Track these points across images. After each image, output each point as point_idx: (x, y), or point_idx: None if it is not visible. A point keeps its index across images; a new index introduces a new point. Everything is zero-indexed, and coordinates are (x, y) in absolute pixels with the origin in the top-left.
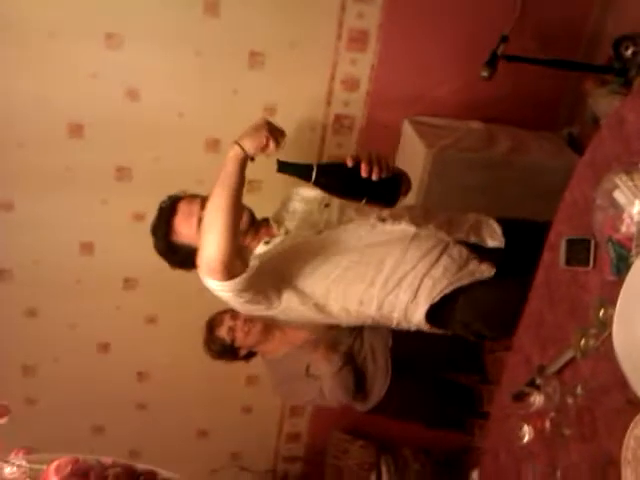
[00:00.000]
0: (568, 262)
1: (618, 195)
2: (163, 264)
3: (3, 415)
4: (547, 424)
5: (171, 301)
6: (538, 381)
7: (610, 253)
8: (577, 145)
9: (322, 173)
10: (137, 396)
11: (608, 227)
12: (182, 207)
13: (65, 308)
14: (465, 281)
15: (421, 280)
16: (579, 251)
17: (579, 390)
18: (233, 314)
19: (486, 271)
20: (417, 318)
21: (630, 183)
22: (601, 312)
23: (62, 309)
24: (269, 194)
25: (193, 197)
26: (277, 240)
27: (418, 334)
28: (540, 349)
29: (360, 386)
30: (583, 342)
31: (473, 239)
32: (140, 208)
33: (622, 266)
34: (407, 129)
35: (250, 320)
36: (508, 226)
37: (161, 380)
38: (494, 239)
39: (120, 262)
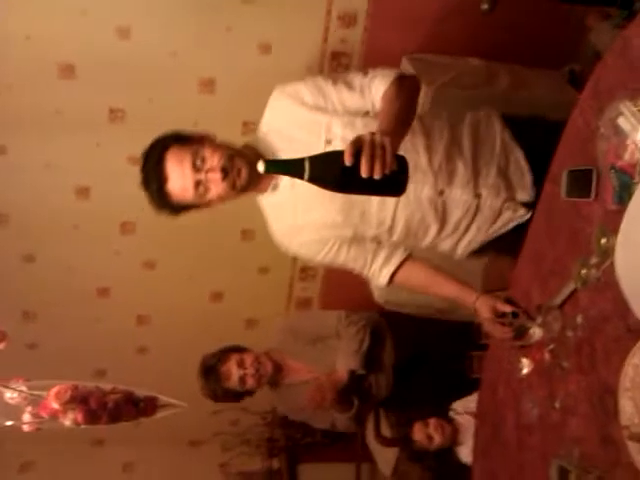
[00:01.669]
0: (569, 194)
1: (622, 122)
2: None
3: (1, 340)
4: (546, 356)
5: (170, 245)
6: (538, 318)
7: (613, 181)
8: (578, 82)
9: (316, 168)
10: (137, 340)
11: (611, 155)
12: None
13: (63, 253)
14: (502, 230)
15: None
16: (581, 182)
17: (579, 320)
18: (239, 360)
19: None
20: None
21: (634, 109)
22: (602, 241)
23: (60, 254)
24: None
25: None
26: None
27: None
28: (540, 283)
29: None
30: (584, 272)
31: (503, 194)
32: (135, 151)
33: (625, 194)
34: (406, 66)
35: (260, 362)
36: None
37: (161, 324)
38: (524, 190)
39: (117, 206)
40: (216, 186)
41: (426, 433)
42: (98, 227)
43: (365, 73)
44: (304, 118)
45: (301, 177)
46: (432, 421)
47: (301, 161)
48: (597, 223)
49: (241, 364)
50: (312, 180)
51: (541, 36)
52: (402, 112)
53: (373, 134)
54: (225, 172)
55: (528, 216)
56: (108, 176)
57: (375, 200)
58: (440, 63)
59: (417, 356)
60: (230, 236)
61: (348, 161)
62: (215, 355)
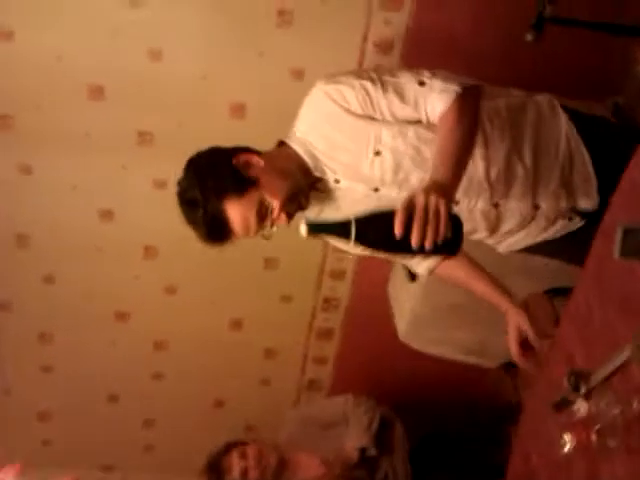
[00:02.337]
0: (624, 253)
1: None
2: (184, 233)
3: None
4: (592, 436)
5: (192, 271)
6: (583, 389)
7: None
8: (622, 116)
9: (364, 230)
10: (153, 366)
11: None
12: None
13: (83, 275)
14: (550, 237)
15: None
16: (637, 242)
17: (631, 396)
18: (241, 453)
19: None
20: None
21: None
22: None
23: (80, 276)
24: None
25: None
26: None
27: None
28: (585, 349)
29: None
30: None
31: (563, 204)
32: (162, 175)
33: None
34: None
35: (262, 454)
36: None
37: (178, 351)
38: (588, 198)
39: (140, 230)
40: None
41: None
42: (120, 250)
43: (420, 80)
44: (350, 126)
45: (347, 239)
46: None
47: (347, 224)
48: None
49: (243, 456)
50: (359, 241)
51: (585, 67)
52: (462, 145)
53: (427, 194)
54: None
55: (582, 224)
56: (133, 199)
57: None
58: None
59: (433, 440)
60: (253, 263)
61: (399, 232)
62: (218, 450)
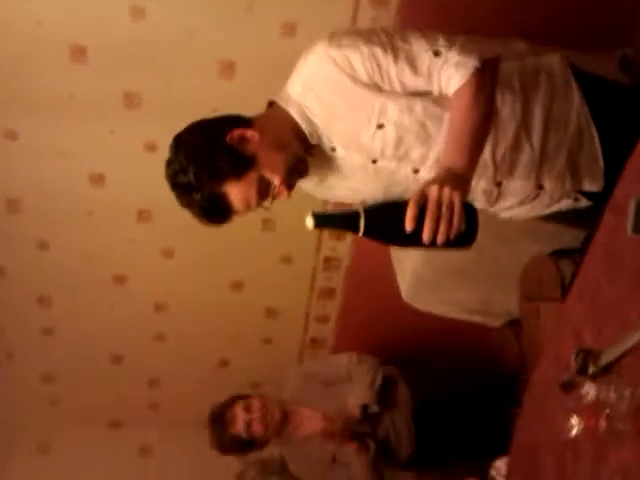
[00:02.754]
0: (636, 229)
1: None
2: None
3: None
4: (602, 422)
5: (188, 234)
6: (591, 369)
7: None
8: (630, 69)
9: (373, 222)
10: (155, 327)
11: None
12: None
13: (78, 240)
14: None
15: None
16: None
17: None
18: (245, 405)
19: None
20: None
21: None
22: None
23: (75, 241)
24: None
25: None
26: None
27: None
28: (593, 326)
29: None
30: None
31: (568, 185)
32: (151, 137)
33: None
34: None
35: (267, 408)
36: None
37: (179, 312)
38: (594, 180)
39: (133, 194)
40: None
41: None
42: (114, 215)
43: (435, 50)
44: (353, 94)
45: (356, 231)
46: None
47: (355, 216)
48: None
49: (248, 409)
50: (368, 234)
51: (593, 19)
52: (479, 129)
53: (442, 186)
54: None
55: (589, 204)
56: (123, 163)
57: None
58: (480, 42)
59: (438, 405)
60: (251, 225)
61: (410, 226)
62: (222, 402)
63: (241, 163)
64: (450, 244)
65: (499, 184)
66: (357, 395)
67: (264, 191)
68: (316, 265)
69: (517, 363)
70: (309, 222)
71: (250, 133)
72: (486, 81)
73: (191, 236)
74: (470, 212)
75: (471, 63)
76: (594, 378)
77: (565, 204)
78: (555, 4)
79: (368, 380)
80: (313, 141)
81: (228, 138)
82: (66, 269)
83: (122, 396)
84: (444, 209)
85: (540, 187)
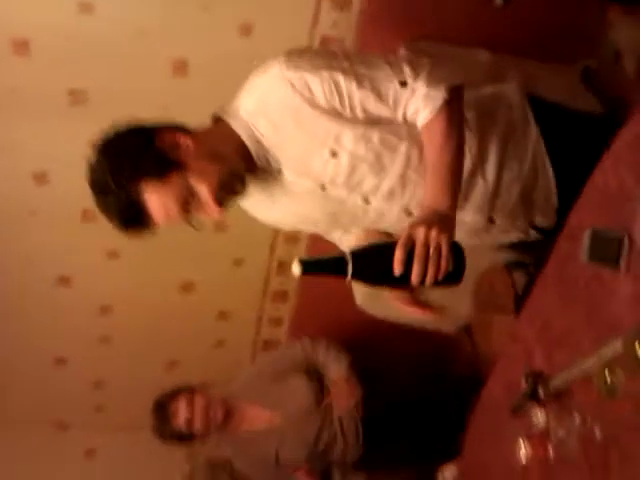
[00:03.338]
0: (592, 258)
1: None
2: None
3: None
4: (550, 450)
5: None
6: (541, 394)
7: None
8: (592, 82)
9: (361, 266)
10: (101, 329)
11: None
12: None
13: (19, 240)
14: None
15: None
16: (607, 248)
17: (592, 420)
18: (188, 400)
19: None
20: None
21: None
22: (637, 348)
23: (16, 241)
24: None
25: None
26: None
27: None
28: (544, 350)
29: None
30: (610, 380)
31: (520, 220)
32: (98, 135)
33: None
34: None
35: (210, 406)
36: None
37: (126, 314)
38: (546, 215)
39: (77, 193)
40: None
41: None
42: (57, 214)
43: (400, 80)
44: (308, 119)
45: (343, 275)
46: None
47: (343, 260)
48: (624, 303)
49: (191, 405)
50: (356, 277)
51: (556, 29)
52: (457, 164)
53: (428, 228)
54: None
55: (538, 237)
56: (68, 161)
57: (374, 225)
58: (444, 54)
59: (390, 407)
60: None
61: (398, 269)
62: (167, 393)
63: (165, 164)
64: (438, 283)
65: None
66: (334, 372)
67: (188, 202)
68: (270, 268)
69: (470, 367)
70: (296, 269)
71: (184, 140)
72: (455, 112)
73: (138, 238)
74: (457, 251)
75: (439, 96)
76: (544, 404)
77: (515, 237)
78: (519, 14)
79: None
80: (259, 162)
81: (158, 141)
82: (7, 271)
83: (67, 398)
84: (432, 251)
85: (491, 221)
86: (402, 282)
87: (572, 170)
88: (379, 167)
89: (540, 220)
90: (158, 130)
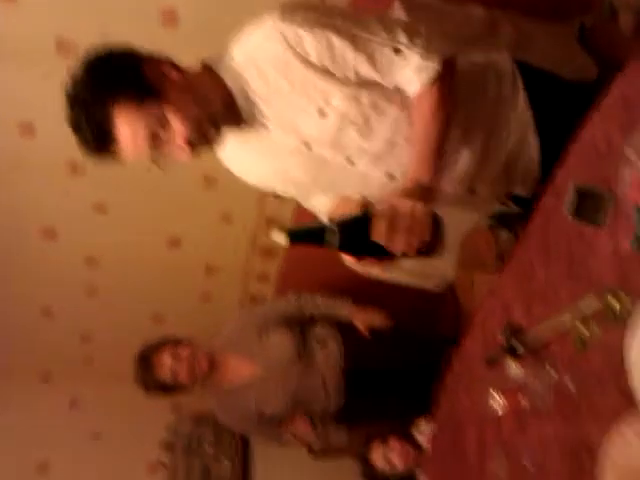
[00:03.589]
0: (575, 214)
1: None
2: None
3: None
4: (522, 402)
5: (123, 189)
6: (517, 348)
7: (634, 222)
8: (587, 41)
9: (348, 236)
10: (86, 282)
11: (636, 190)
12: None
13: (4, 192)
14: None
15: None
16: (591, 205)
17: (566, 373)
18: (173, 352)
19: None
20: None
21: None
22: (613, 303)
23: (1, 192)
24: None
25: None
26: None
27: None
28: (523, 304)
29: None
30: (585, 333)
31: (500, 189)
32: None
33: None
34: (399, 12)
35: (195, 358)
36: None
37: (112, 266)
38: (526, 185)
39: (65, 145)
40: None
41: (387, 457)
42: (43, 166)
43: (395, 47)
44: (299, 75)
45: (333, 246)
46: (394, 444)
47: (329, 229)
48: (605, 261)
49: (175, 357)
50: (344, 248)
51: None
52: (442, 136)
53: (411, 200)
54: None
55: (517, 210)
56: (55, 112)
57: (355, 187)
58: (438, 9)
59: (372, 370)
60: (191, 181)
61: (381, 240)
62: (152, 344)
63: (145, 89)
64: (421, 253)
65: None
66: (346, 308)
67: (158, 136)
68: (258, 224)
69: (452, 327)
70: (279, 237)
71: (172, 73)
72: (446, 85)
73: (126, 191)
74: (436, 223)
75: (433, 67)
76: (519, 356)
77: (496, 207)
78: None
79: (335, 299)
80: (245, 115)
81: (146, 67)
82: None
83: (53, 349)
84: (414, 224)
85: (472, 191)
86: (384, 253)
87: (558, 141)
88: (367, 130)
89: (519, 189)
90: (149, 57)
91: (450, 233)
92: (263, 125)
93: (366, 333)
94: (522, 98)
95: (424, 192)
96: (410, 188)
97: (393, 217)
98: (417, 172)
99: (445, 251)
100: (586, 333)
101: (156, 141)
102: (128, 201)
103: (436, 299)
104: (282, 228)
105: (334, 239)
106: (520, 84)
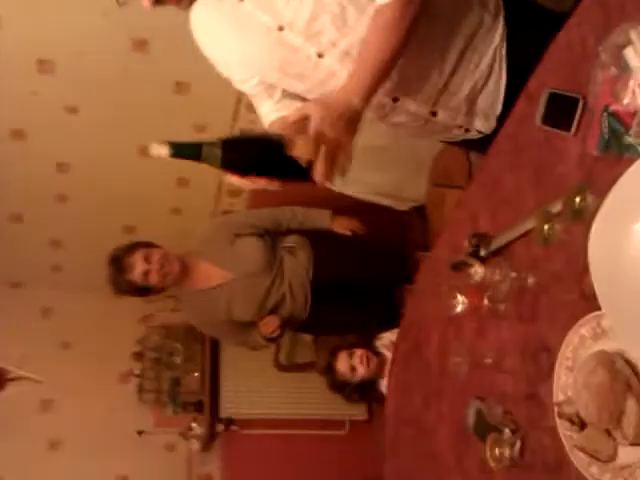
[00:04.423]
0: (545, 120)
1: (629, 54)
2: (83, 46)
3: None
4: (484, 301)
5: (93, 90)
6: (482, 252)
7: (602, 124)
8: None
9: (231, 153)
10: (57, 188)
11: (607, 92)
12: None
13: None
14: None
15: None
16: (562, 110)
17: (527, 268)
18: (146, 254)
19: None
20: None
21: None
22: (577, 199)
23: None
24: None
25: None
26: None
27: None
28: (490, 211)
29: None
30: (547, 229)
31: (460, 119)
32: None
33: (613, 143)
34: None
35: (166, 260)
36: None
37: (83, 174)
38: (487, 120)
39: (33, 41)
40: None
41: (350, 364)
42: (11, 63)
43: None
44: None
45: (215, 162)
46: (358, 352)
47: (214, 143)
48: (572, 165)
49: (147, 259)
50: (226, 165)
51: None
52: (391, 58)
53: (334, 123)
54: None
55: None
56: (23, 5)
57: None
58: None
59: (340, 281)
60: (162, 85)
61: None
62: (124, 247)
63: None
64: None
65: (395, 99)
66: (325, 214)
67: None
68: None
69: (420, 243)
70: (159, 149)
71: None
72: (412, 10)
73: (98, 93)
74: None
75: None
76: (483, 260)
77: (457, 133)
78: None
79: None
80: None
81: None
82: None
83: (23, 257)
84: (327, 150)
85: (433, 114)
86: (272, 171)
87: (525, 79)
88: (341, 22)
89: (480, 124)
90: None
91: (426, 155)
92: None
93: (348, 233)
94: (500, 30)
95: (350, 116)
96: (339, 108)
97: (317, 140)
98: (353, 89)
99: (413, 172)
100: (548, 230)
101: None
102: (100, 104)
103: (405, 217)
104: (163, 141)
105: (215, 155)
106: (502, 15)
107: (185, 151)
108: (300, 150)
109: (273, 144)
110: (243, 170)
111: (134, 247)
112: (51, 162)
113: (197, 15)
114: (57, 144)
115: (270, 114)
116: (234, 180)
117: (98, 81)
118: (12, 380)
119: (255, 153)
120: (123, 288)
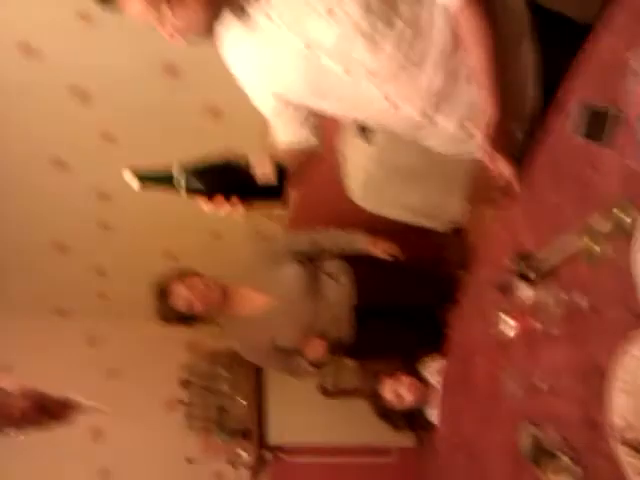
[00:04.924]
0: (580, 132)
1: None
2: (119, 72)
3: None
4: (534, 323)
5: (131, 117)
6: (530, 273)
7: (637, 133)
8: None
9: (195, 180)
10: (99, 215)
11: None
12: None
13: (10, 118)
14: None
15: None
16: (594, 122)
17: (577, 288)
18: (188, 283)
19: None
20: None
21: None
22: (622, 216)
23: (6, 119)
24: None
25: None
26: None
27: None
28: (532, 229)
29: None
30: (593, 245)
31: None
32: (87, 5)
33: None
34: None
35: (209, 288)
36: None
37: (124, 201)
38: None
39: (68, 67)
40: None
41: (396, 391)
42: (47, 91)
43: None
44: None
45: (179, 189)
46: (405, 379)
47: (175, 176)
48: (612, 178)
49: (190, 287)
50: (190, 192)
51: None
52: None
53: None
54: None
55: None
56: (57, 31)
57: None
58: None
59: (381, 304)
60: (197, 112)
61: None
62: (168, 276)
63: None
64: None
65: (430, 117)
66: (361, 238)
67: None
68: None
69: (460, 263)
70: (131, 180)
71: None
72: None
73: (135, 121)
74: (281, 171)
75: None
76: (529, 279)
77: None
78: None
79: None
80: (249, 7)
81: None
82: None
83: (68, 285)
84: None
85: (466, 131)
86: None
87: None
88: (370, 40)
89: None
90: None
91: (454, 173)
92: (267, 15)
93: (388, 258)
94: (527, 39)
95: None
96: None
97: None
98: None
99: (450, 192)
100: (595, 249)
101: (157, 4)
102: (135, 131)
103: (439, 235)
104: (134, 171)
105: (181, 184)
106: (527, 24)
107: (152, 181)
108: (259, 169)
109: (234, 166)
110: (207, 195)
111: (178, 276)
112: (92, 191)
113: (227, 41)
114: (97, 173)
115: (288, 134)
116: (202, 206)
117: (136, 109)
118: (79, 411)
119: (217, 177)
120: (169, 317)
